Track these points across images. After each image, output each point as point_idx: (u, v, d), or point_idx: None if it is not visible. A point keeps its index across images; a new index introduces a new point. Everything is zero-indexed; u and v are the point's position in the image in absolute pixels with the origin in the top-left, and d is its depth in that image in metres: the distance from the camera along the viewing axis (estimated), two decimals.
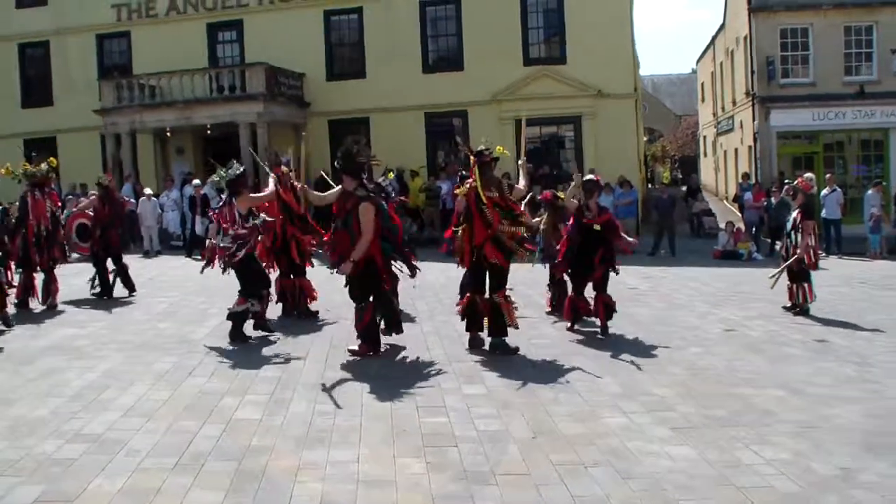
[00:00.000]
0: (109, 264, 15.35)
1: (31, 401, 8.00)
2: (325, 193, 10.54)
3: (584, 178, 12.05)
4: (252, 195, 11.33)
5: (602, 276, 11.43)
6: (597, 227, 11.31)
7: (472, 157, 10.28)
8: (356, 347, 10.06)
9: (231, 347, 10.52)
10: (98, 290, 15.21)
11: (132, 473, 6.03)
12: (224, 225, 10.75)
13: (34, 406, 7.80)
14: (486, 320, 10.39)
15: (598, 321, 11.50)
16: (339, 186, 10.18)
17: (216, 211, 11.14)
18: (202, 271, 11.38)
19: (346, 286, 10.22)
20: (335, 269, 10.00)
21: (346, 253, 9.71)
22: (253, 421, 7.29)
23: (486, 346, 10.34)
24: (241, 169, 11.14)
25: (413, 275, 10.38)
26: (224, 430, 7.02)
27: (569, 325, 11.68)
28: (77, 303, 14.47)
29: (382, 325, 10.21)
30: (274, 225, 11.78)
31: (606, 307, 11.37)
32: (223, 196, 11.25)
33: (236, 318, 10.93)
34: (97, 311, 13.68)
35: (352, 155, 10.01)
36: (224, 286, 12.59)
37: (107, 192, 15.59)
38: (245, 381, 8.74)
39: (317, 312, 12.78)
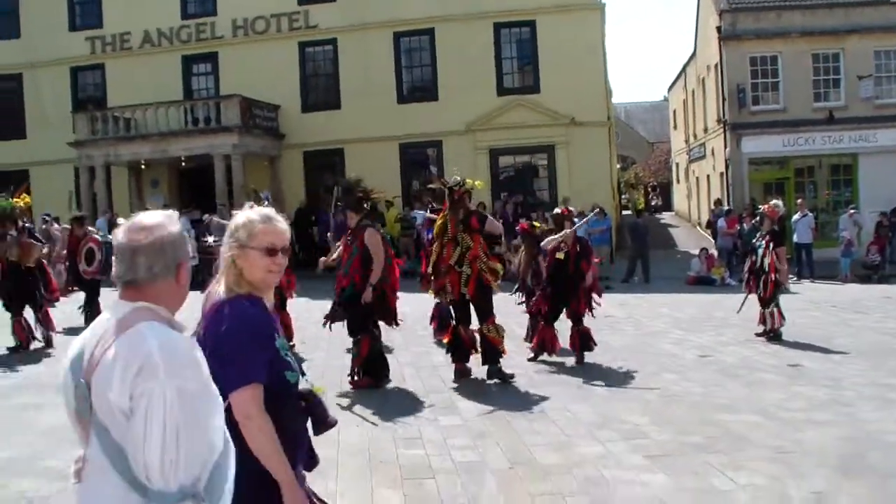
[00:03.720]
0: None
1: (3, 439, 7.95)
2: (331, 255, 10.66)
3: (553, 214, 12.12)
4: None
5: (576, 309, 11.49)
6: (560, 255, 11.36)
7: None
8: (356, 379, 10.06)
9: None
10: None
11: None
12: None
13: (7, 444, 7.74)
14: (473, 351, 10.47)
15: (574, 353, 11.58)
16: (338, 244, 10.40)
17: None
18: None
19: (325, 319, 10.39)
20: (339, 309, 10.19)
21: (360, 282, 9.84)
22: None
23: (473, 376, 10.43)
24: None
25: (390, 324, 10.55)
26: None
27: (532, 355, 11.71)
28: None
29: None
30: None
31: (582, 337, 11.43)
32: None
33: None
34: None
35: (351, 189, 10.34)
36: (197, 319, 12.53)
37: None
38: None
39: (293, 346, 12.76)
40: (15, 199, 14.85)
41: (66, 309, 15.77)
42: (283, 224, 3.35)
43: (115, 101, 30.67)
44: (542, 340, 11.58)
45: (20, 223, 14.22)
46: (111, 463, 2.45)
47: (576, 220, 12.37)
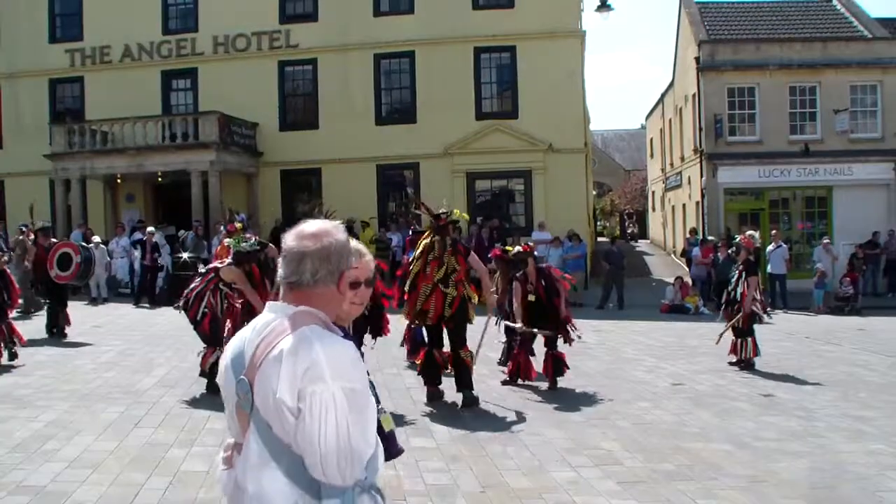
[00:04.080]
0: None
1: None
2: None
3: (514, 252, 12.18)
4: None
5: (551, 337, 11.50)
6: (531, 297, 11.42)
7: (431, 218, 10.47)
8: None
9: (178, 398, 10.39)
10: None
11: None
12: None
13: None
14: (445, 369, 10.45)
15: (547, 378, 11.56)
16: None
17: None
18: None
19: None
20: None
21: None
22: (200, 473, 7.19)
23: (445, 399, 10.43)
24: (258, 247, 10.97)
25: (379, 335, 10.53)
26: (171, 483, 6.92)
27: (507, 378, 11.69)
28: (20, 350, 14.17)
29: None
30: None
31: (556, 362, 11.42)
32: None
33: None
34: (41, 358, 13.41)
35: (310, 213, 10.25)
36: (170, 335, 12.48)
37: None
38: (192, 432, 8.63)
39: None
40: None
41: (40, 323, 15.65)
42: (367, 257, 3.46)
43: (93, 115, 30.41)
44: (517, 366, 11.57)
45: None
46: (272, 456, 2.59)
47: (536, 253, 12.43)
